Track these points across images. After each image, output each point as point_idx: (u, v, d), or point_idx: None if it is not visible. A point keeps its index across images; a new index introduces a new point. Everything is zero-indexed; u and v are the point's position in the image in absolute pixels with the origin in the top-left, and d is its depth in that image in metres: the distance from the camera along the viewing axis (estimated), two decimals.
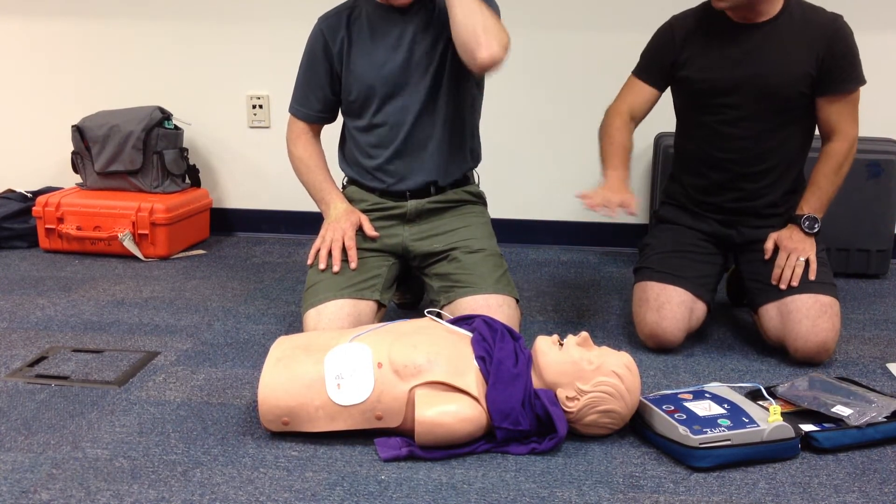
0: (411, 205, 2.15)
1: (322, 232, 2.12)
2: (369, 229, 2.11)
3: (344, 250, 2.07)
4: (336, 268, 2.04)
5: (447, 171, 2.15)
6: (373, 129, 2.11)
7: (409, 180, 2.13)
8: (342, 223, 2.10)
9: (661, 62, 2.18)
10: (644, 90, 2.20)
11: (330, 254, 2.06)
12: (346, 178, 2.26)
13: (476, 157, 2.24)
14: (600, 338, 2.22)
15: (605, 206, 1.91)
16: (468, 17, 1.89)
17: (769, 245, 2.13)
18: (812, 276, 2.05)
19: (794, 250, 2.08)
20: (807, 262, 2.07)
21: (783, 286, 2.05)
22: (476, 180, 2.27)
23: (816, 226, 2.10)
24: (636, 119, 2.22)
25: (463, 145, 2.17)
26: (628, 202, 1.92)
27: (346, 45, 2.09)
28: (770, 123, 2.10)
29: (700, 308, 2.12)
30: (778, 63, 2.05)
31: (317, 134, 2.22)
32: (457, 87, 2.09)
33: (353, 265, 2.05)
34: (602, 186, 2.04)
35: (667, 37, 2.17)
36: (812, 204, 2.11)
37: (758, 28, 2.07)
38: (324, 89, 2.15)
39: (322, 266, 2.05)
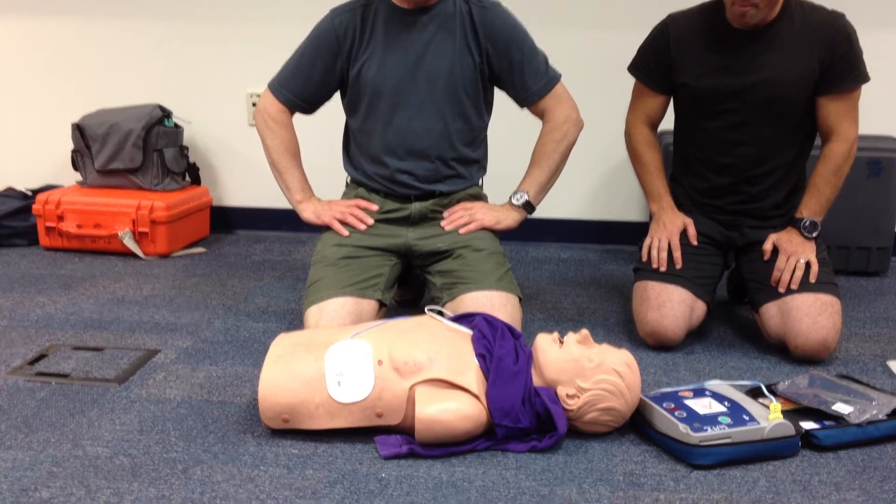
0: (415, 207, 2.14)
1: (329, 214, 2.14)
2: (367, 205, 2.15)
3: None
4: (362, 226, 2.12)
5: (451, 179, 2.15)
6: (378, 133, 2.10)
7: (412, 185, 2.13)
8: (341, 201, 2.18)
9: (654, 65, 2.17)
10: (655, 98, 2.21)
11: (343, 229, 2.13)
12: (349, 178, 2.25)
13: (482, 166, 2.23)
14: (600, 335, 2.22)
15: (674, 249, 2.13)
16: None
17: (768, 247, 2.12)
18: (813, 279, 2.04)
19: (794, 253, 2.07)
20: (808, 264, 2.06)
21: (782, 289, 2.04)
22: (479, 183, 2.27)
23: (816, 230, 2.09)
24: (655, 124, 2.27)
25: (469, 154, 2.15)
26: (689, 232, 2.16)
27: (356, 44, 2.06)
28: (772, 128, 2.09)
29: (700, 307, 2.12)
30: (780, 70, 2.03)
31: (290, 119, 2.18)
32: (466, 96, 2.08)
33: (371, 220, 2.13)
34: (655, 222, 2.19)
35: (659, 42, 2.16)
36: (811, 207, 2.10)
37: (758, 33, 2.04)
38: (315, 84, 2.12)
39: (346, 233, 2.11)
